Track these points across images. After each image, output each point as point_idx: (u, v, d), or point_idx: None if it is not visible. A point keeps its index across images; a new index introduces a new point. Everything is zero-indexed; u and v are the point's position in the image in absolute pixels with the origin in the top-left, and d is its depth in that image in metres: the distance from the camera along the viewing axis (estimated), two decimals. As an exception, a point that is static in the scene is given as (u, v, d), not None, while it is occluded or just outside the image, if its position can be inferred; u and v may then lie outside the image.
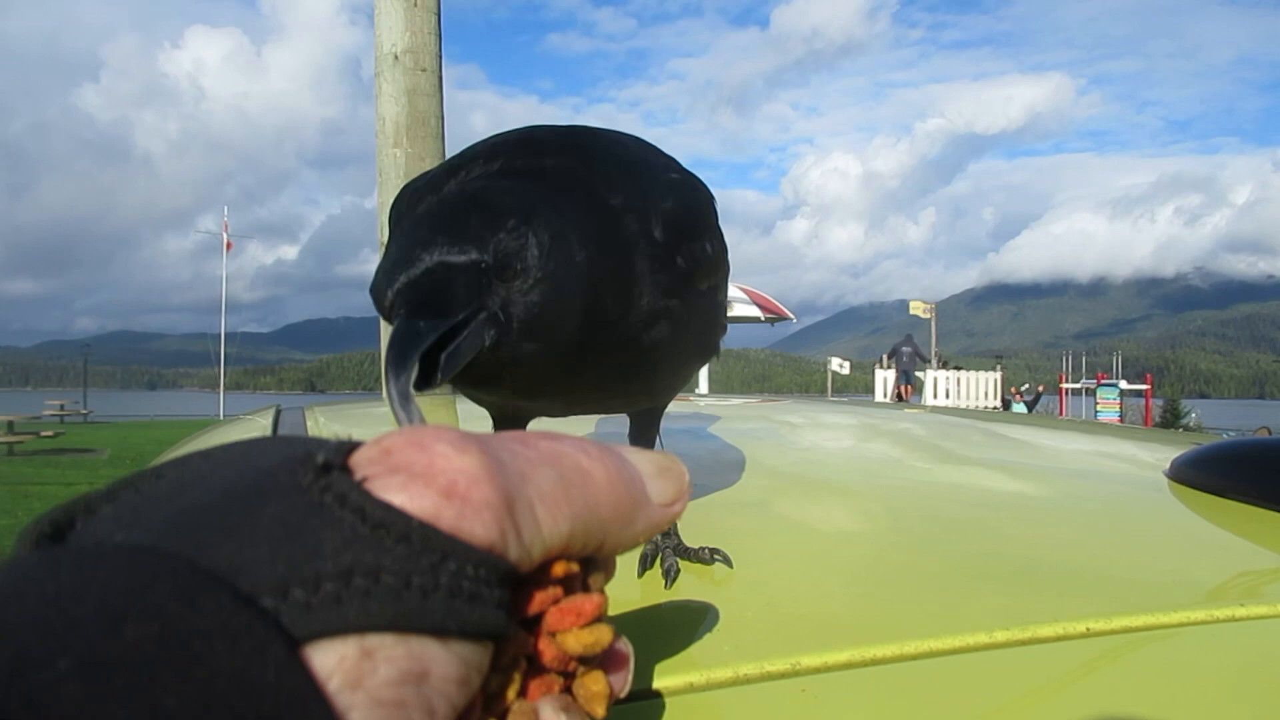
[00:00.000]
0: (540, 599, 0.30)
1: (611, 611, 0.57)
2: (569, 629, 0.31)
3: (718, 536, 0.67)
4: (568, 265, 0.53)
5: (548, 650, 0.31)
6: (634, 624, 0.56)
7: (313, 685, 0.23)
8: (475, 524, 0.27)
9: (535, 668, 0.31)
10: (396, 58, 5.26)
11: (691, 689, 0.47)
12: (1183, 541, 0.84)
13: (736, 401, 2.44)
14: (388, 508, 0.26)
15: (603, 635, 0.31)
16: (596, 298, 0.57)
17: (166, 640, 0.21)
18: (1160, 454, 1.36)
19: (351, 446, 0.29)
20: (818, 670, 0.49)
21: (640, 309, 0.61)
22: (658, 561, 0.65)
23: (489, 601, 0.27)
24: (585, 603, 0.31)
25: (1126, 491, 1.11)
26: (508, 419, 0.72)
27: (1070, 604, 0.60)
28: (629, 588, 0.62)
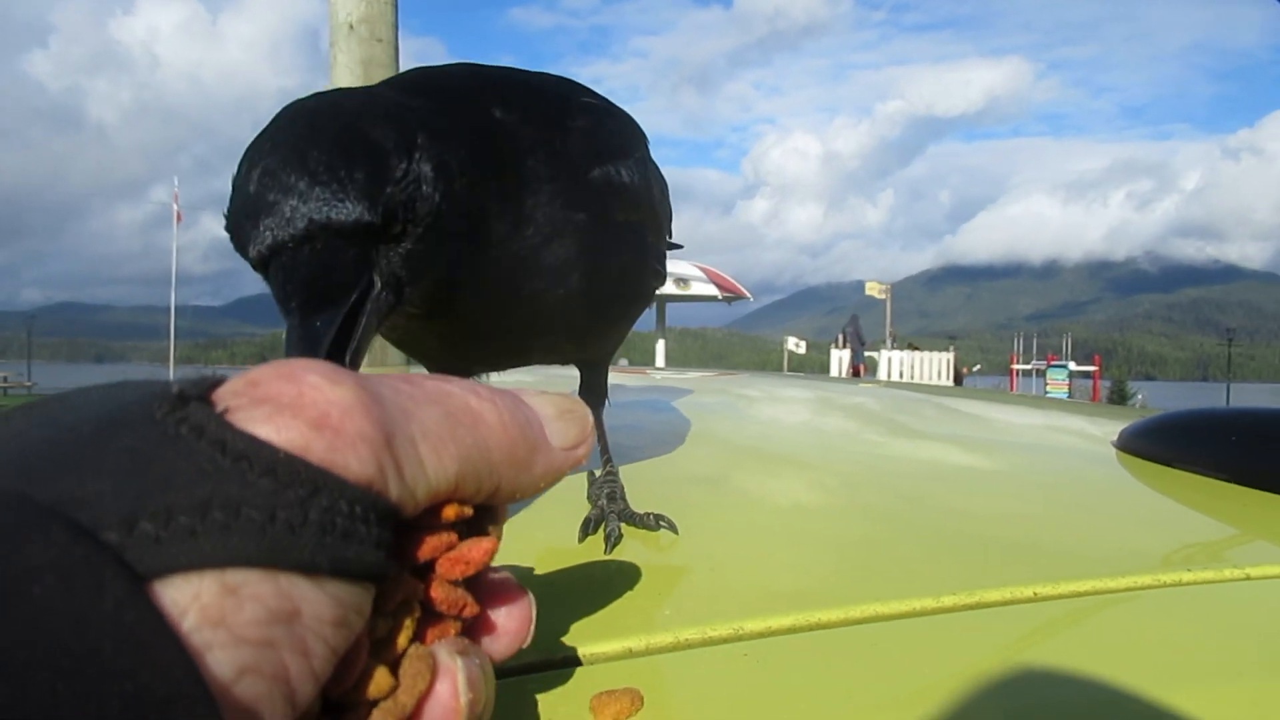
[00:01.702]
0: (432, 544, 0.29)
1: (551, 573, 0.56)
2: (459, 576, 0.29)
3: (669, 506, 0.66)
4: (460, 208, 0.49)
5: (440, 595, 0.29)
6: (572, 588, 0.54)
7: (159, 621, 0.21)
8: (350, 458, 0.25)
9: (430, 613, 0.29)
10: (352, 27, 5.15)
11: (630, 654, 0.45)
12: (1130, 510, 0.84)
13: (694, 375, 2.43)
14: (251, 439, 0.24)
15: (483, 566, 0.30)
16: (494, 233, 0.54)
17: None
18: (1108, 428, 1.37)
19: (216, 381, 0.26)
20: (761, 635, 0.47)
21: (546, 239, 0.57)
22: (601, 527, 0.63)
23: (365, 540, 0.25)
24: (474, 549, 0.30)
25: (1075, 462, 1.12)
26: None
27: (1019, 570, 0.59)
28: (571, 553, 0.60)
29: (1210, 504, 0.82)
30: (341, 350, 0.44)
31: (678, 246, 1.00)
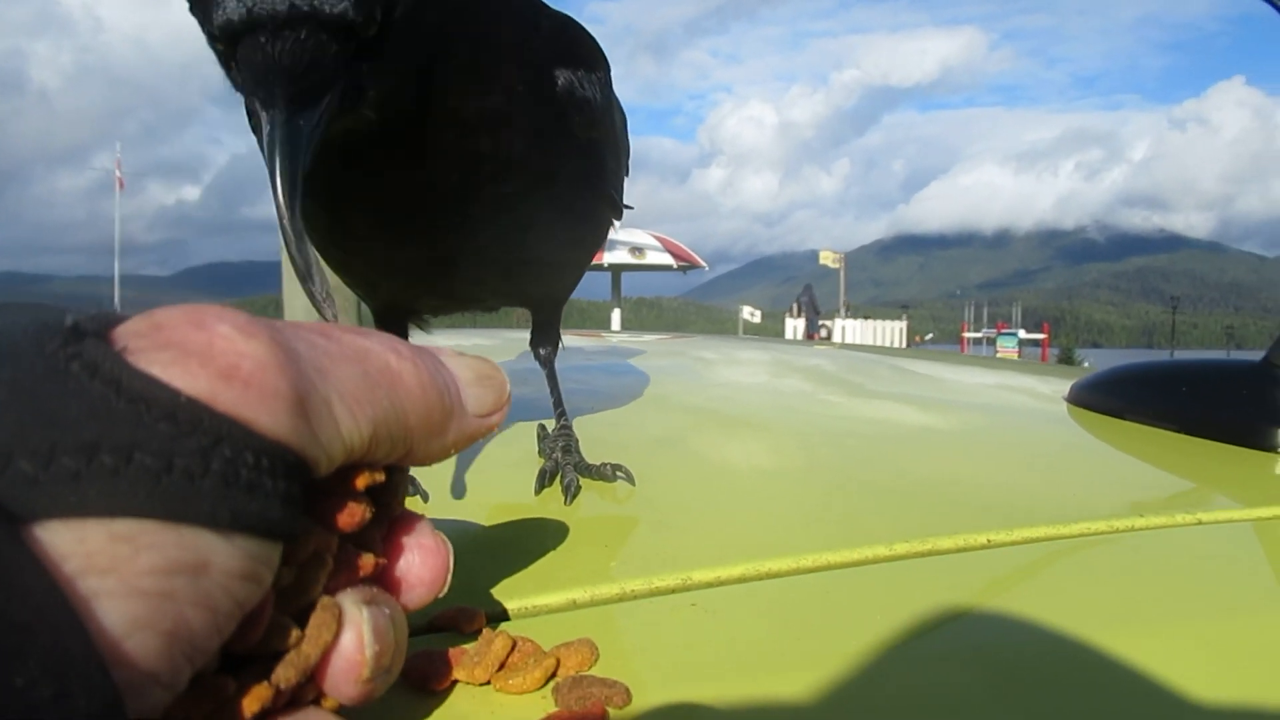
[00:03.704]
0: (349, 512, 0.28)
1: (498, 525, 0.54)
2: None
3: (625, 461, 0.64)
4: (424, 39, 0.47)
5: (355, 558, 0.29)
6: (518, 542, 0.52)
7: (35, 565, 0.20)
8: (260, 412, 0.23)
9: (337, 562, 0.28)
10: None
11: (574, 605, 0.43)
12: (1083, 461, 0.84)
13: (650, 338, 2.41)
14: (150, 380, 0.22)
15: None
16: (453, 82, 0.51)
17: None
18: (1058, 386, 1.38)
19: (116, 317, 0.24)
20: (709, 585, 0.46)
21: (503, 114, 0.54)
22: (558, 479, 0.61)
23: (271, 494, 0.23)
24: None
25: (1028, 419, 1.12)
26: (392, 316, 0.67)
27: (973, 520, 0.58)
28: (524, 506, 0.58)
29: (1161, 454, 0.82)
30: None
31: (628, 208, 0.98)
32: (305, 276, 0.42)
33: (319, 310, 0.43)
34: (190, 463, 0.22)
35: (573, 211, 0.64)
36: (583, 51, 0.62)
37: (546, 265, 0.67)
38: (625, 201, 0.88)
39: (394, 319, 0.68)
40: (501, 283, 0.66)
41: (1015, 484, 0.72)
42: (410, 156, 0.52)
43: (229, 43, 0.41)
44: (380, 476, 0.29)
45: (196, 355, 0.23)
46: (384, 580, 0.31)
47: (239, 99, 0.45)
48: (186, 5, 0.43)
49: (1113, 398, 0.95)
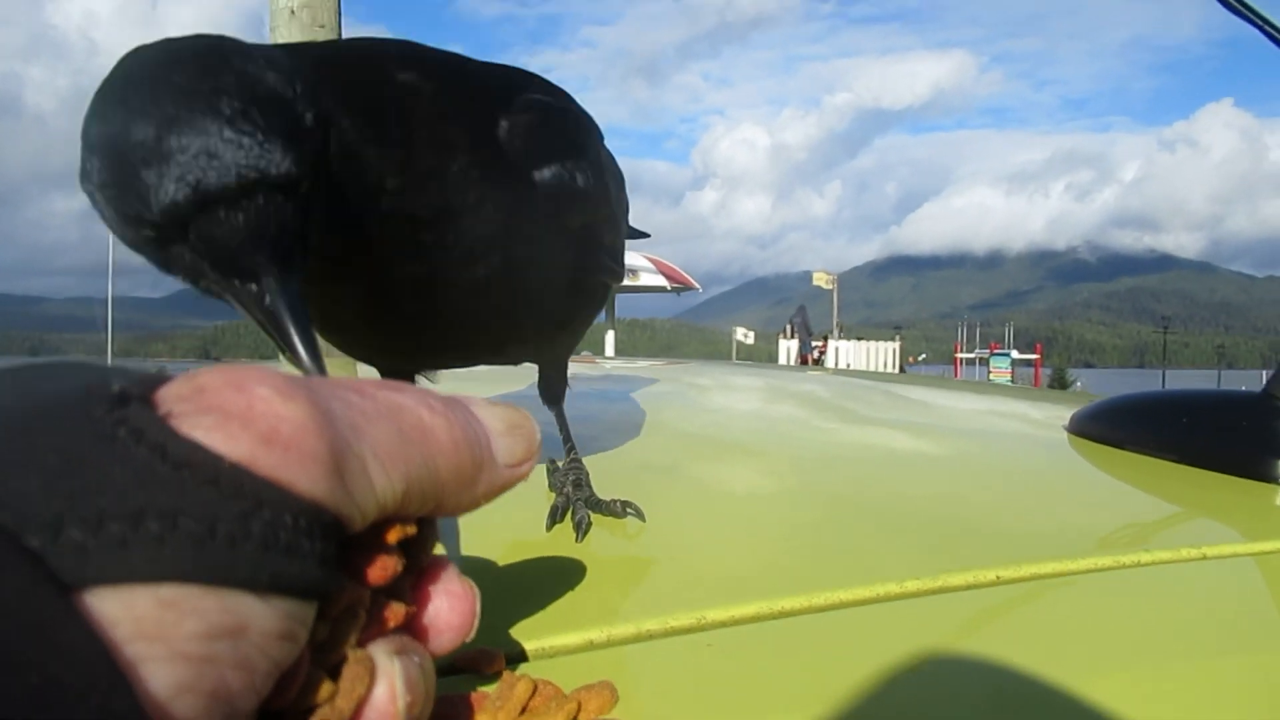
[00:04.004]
0: (380, 565, 0.28)
1: (512, 564, 0.54)
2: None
3: (629, 494, 0.64)
4: (354, 172, 0.45)
5: (383, 607, 0.29)
6: (532, 580, 0.53)
7: (87, 631, 0.20)
8: (299, 475, 0.24)
9: (368, 614, 0.28)
10: (293, 12, 5.03)
11: (591, 646, 0.44)
12: (1085, 492, 0.85)
13: (643, 364, 2.42)
14: (194, 446, 0.23)
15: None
16: (412, 226, 0.50)
17: None
18: (1053, 412, 1.39)
19: (159, 379, 0.25)
20: (724, 624, 0.46)
21: (473, 230, 0.52)
22: (569, 514, 0.61)
23: (310, 556, 0.24)
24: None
25: (1029, 447, 1.12)
26: (394, 373, 0.67)
27: (980, 554, 0.59)
28: (536, 543, 0.59)
29: (1164, 485, 0.83)
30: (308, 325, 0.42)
31: (644, 235, 0.99)
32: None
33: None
34: (232, 527, 0.22)
35: (564, 290, 0.62)
36: (569, 139, 0.59)
37: (540, 338, 0.66)
38: (641, 229, 0.88)
39: (396, 376, 0.67)
40: (497, 355, 0.66)
41: (1020, 516, 0.72)
42: (374, 256, 0.50)
43: (175, 225, 0.40)
44: (411, 530, 0.29)
45: (238, 419, 0.24)
46: (412, 627, 0.31)
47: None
48: (94, 197, 0.41)
49: (1113, 428, 0.96)
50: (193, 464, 0.23)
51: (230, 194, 0.39)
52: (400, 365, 0.63)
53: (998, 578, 0.54)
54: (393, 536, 0.28)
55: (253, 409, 0.24)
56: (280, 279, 0.41)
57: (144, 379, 0.25)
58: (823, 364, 22.60)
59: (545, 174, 0.56)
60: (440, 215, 0.51)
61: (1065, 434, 1.07)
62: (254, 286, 0.42)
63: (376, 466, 0.26)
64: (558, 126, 0.58)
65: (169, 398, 0.24)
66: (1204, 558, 0.59)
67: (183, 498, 0.22)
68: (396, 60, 0.52)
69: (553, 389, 0.73)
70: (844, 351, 24.58)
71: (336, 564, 0.25)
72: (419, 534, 0.30)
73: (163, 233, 0.40)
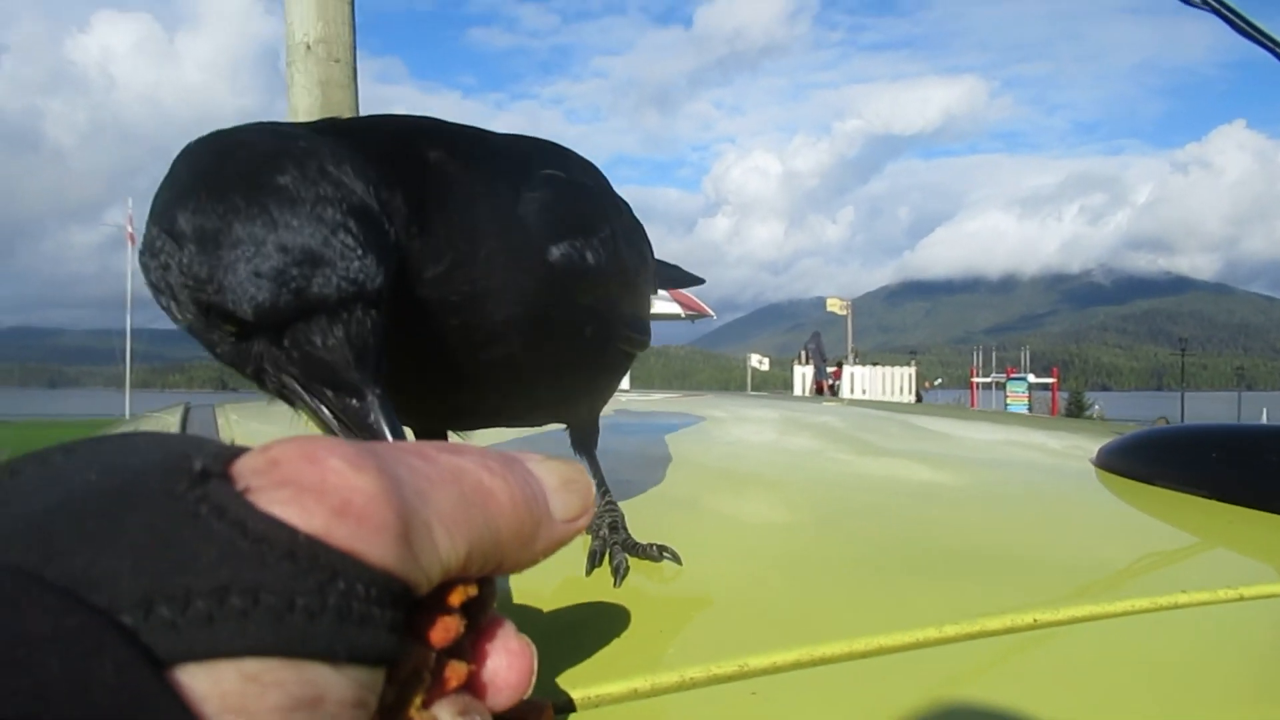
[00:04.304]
0: (443, 627, 0.29)
1: (554, 610, 0.54)
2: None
3: (660, 534, 0.65)
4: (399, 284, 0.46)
5: (444, 667, 0.29)
6: (575, 626, 0.53)
7: (181, 709, 0.21)
8: (371, 545, 0.25)
9: (432, 676, 0.29)
10: (309, 47, 5.10)
11: (636, 695, 0.44)
12: (1117, 529, 0.84)
13: (658, 397, 2.42)
14: (272, 521, 0.24)
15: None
16: (434, 292, 0.50)
17: None
18: (1074, 442, 1.38)
19: (234, 453, 0.26)
20: (766, 671, 0.47)
21: (498, 312, 0.53)
22: (606, 559, 0.62)
23: (381, 624, 0.25)
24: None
25: (1057, 481, 1.12)
26: (427, 431, 0.68)
27: (1015, 595, 0.59)
28: (575, 586, 0.59)
29: (1196, 522, 0.83)
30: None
31: (699, 281, 0.99)
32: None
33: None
34: (310, 600, 0.23)
35: (584, 361, 0.63)
36: (581, 214, 0.59)
37: (564, 405, 0.68)
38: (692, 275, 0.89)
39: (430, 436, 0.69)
40: (523, 420, 0.68)
41: (1052, 554, 0.72)
42: (406, 333, 0.50)
43: (267, 327, 0.41)
44: (474, 591, 0.30)
45: (312, 492, 0.25)
46: (472, 685, 0.31)
47: None
48: (165, 281, 0.41)
49: (1142, 463, 0.96)
50: (271, 539, 0.23)
51: (330, 304, 0.40)
52: (434, 426, 0.64)
53: (1035, 620, 0.54)
54: (455, 599, 0.29)
55: (326, 481, 0.25)
56: (383, 398, 0.42)
57: (220, 453, 0.26)
58: (837, 392, 22.52)
59: (554, 253, 0.56)
60: (468, 300, 0.52)
61: (1092, 467, 1.06)
62: (355, 402, 0.42)
63: (441, 531, 0.27)
64: (569, 203, 0.59)
65: (245, 471, 0.25)
66: (1241, 598, 0.59)
67: (263, 572, 0.23)
68: (426, 138, 0.53)
69: (584, 442, 0.73)
70: (859, 377, 24.50)
71: (404, 630, 0.26)
72: (479, 594, 0.30)
73: (245, 330, 0.41)
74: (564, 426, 0.73)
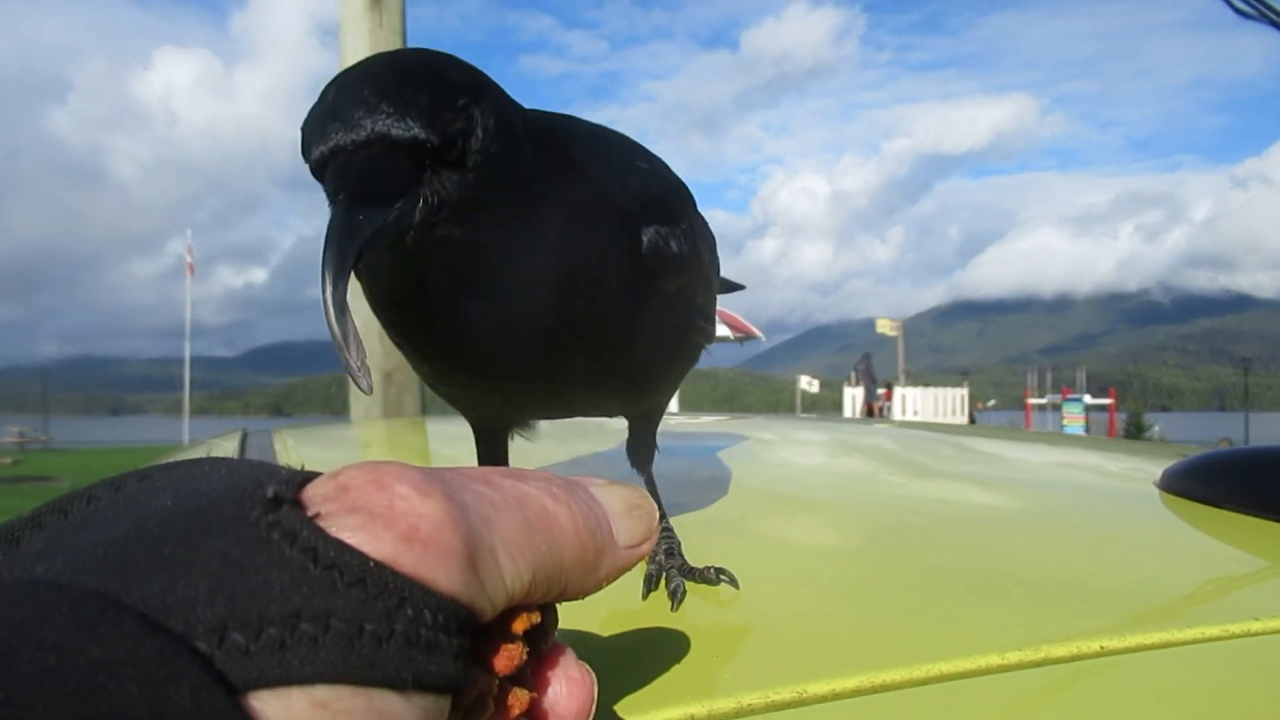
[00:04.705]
0: (507, 655, 0.29)
1: (611, 635, 0.54)
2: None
3: (716, 557, 0.65)
4: (510, 157, 0.51)
5: (507, 694, 0.30)
6: (631, 651, 0.53)
7: None
8: (438, 572, 0.25)
9: (495, 704, 0.29)
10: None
11: (692, 721, 0.44)
12: (1183, 553, 0.82)
13: (707, 419, 2.41)
14: (342, 548, 0.24)
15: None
16: (538, 217, 0.54)
17: (63, 674, 0.19)
18: (1135, 464, 1.35)
19: (304, 478, 0.26)
20: (825, 699, 0.46)
21: (595, 292, 0.57)
22: (663, 582, 0.62)
23: (447, 651, 0.25)
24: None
25: (1121, 504, 1.09)
26: (487, 429, 0.69)
27: (1079, 621, 0.57)
28: (632, 610, 0.59)
29: (1266, 546, 0.80)
30: (371, 246, 0.46)
31: (739, 287, 1.01)
32: (342, 346, 0.45)
33: (354, 379, 0.46)
34: (378, 626, 0.23)
35: (662, 349, 0.66)
36: (668, 206, 0.64)
37: (642, 393, 0.70)
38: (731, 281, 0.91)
39: (493, 431, 0.70)
40: (594, 410, 0.70)
41: (1117, 579, 0.70)
42: (505, 313, 0.55)
43: (320, 170, 0.48)
44: (537, 618, 0.30)
45: (381, 518, 0.25)
46: (533, 712, 0.31)
47: (305, 184, 0.51)
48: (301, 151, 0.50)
49: (1209, 485, 0.93)
50: (341, 565, 0.24)
51: (355, 144, 0.46)
52: (500, 419, 0.66)
53: (1102, 648, 0.52)
54: (519, 626, 0.29)
55: (394, 507, 0.25)
56: (348, 205, 0.46)
57: (291, 478, 0.26)
58: (887, 414, 22.29)
59: (645, 239, 0.60)
60: (578, 283, 0.56)
61: (1155, 490, 1.04)
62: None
63: (506, 557, 0.27)
64: (657, 194, 0.63)
65: (316, 498, 0.26)
66: (1318, 625, 0.57)
67: (333, 599, 0.23)
68: (566, 119, 0.61)
69: (641, 452, 0.74)
70: (911, 399, 24.23)
71: (469, 657, 0.26)
72: (542, 620, 0.30)
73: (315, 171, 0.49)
74: (621, 443, 0.74)
